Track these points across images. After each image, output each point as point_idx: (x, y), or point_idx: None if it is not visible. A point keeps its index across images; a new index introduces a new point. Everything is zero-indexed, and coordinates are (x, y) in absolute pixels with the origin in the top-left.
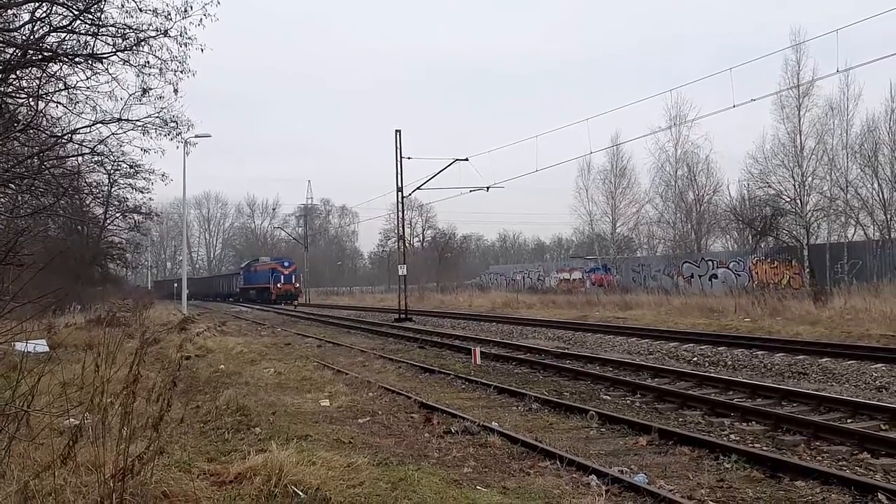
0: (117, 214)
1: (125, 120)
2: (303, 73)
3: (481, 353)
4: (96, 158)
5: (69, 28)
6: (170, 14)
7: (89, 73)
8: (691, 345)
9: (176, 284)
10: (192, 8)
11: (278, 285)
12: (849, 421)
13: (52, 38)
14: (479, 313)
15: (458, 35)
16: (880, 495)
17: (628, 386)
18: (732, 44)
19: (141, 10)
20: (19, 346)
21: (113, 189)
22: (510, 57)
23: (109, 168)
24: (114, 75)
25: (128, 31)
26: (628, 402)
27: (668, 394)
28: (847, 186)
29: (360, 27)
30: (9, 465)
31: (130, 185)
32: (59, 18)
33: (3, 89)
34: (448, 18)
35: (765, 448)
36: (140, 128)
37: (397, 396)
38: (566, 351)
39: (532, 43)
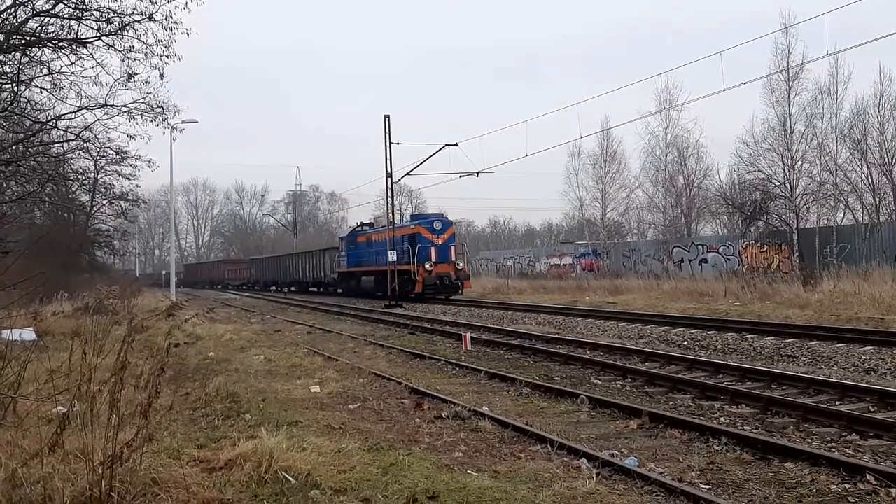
0: (104, 201)
1: (111, 105)
2: (291, 58)
3: (472, 338)
4: (82, 145)
5: (52, 12)
6: None
7: (73, 57)
8: (681, 329)
9: (230, 267)
10: None
11: (426, 265)
12: (837, 403)
13: (34, 23)
14: (470, 299)
15: (447, 21)
16: (868, 476)
17: (619, 370)
18: (722, 27)
19: None
20: (5, 333)
21: (99, 176)
22: (499, 41)
23: (95, 154)
24: (98, 60)
25: (112, 14)
26: (619, 386)
27: (658, 377)
28: (836, 170)
29: (350, 14)
30: None
31: (117, 171)
32: (41, 2)
33: None
34: (437, 5)
35: (754, 430)
36: (126, 113)
37: (388, 382)
38: (557, 336)
39: (522, 26)
